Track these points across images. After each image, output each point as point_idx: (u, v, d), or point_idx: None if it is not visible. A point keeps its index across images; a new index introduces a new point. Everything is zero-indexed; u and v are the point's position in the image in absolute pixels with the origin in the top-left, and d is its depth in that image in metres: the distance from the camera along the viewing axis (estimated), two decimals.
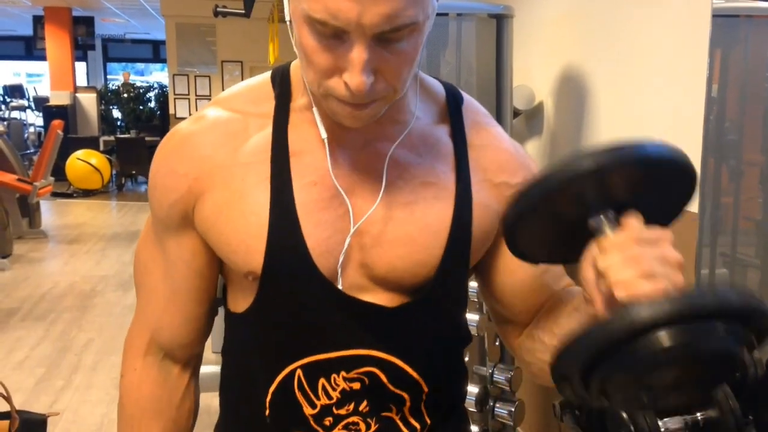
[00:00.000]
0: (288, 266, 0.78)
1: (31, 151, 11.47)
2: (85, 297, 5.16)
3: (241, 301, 0.85)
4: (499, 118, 2.35)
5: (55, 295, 5.21)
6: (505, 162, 0.86)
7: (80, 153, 9.59)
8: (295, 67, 0.84)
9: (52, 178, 7.44)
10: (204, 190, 0.81)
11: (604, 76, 2.32)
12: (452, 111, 0.86)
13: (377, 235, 0.80)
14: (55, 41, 11.55)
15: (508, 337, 0.95)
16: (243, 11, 2.56)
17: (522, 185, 0.68)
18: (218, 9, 2.67)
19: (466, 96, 0.89)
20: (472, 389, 1.92)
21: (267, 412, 0.84)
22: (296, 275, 0.79)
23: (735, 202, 1.93)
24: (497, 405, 1.98)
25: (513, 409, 1.97)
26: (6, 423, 1.89)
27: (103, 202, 9.63)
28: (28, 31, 12.59)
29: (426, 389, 0.85)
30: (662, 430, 1.55)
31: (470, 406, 1.92)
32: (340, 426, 0.82)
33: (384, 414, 0.83)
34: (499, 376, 1.99)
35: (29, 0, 10.73)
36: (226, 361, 0.93)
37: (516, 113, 2.72)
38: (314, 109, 0.79)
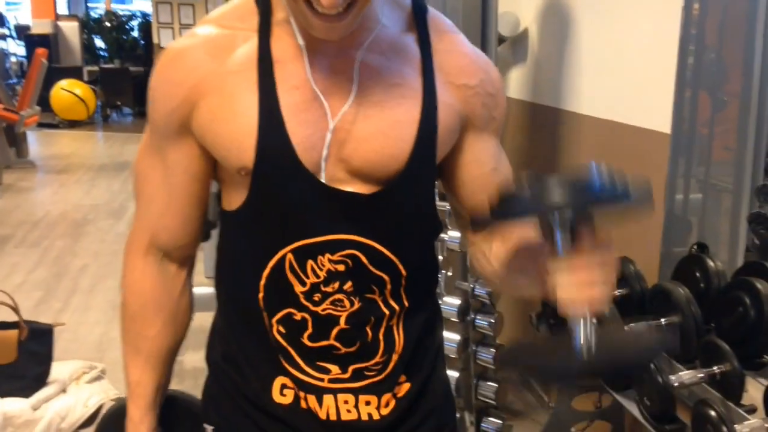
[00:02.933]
0: (276, 161, 0.88)
1: (14, 81, 11.30)
2: (78, 225, 5.24)
3: (234, 199, 0.95)
4: (484, 44, 2.39)
5: (47, 222, 5.29)
6: (466, 66, 0.95)
7: (64, 83, 9.47)
8: None
9: (38, 108, 7.40)
10: (199, 97, 0.89)
11: (588, 2, 2.37)
12: (418, 20, 0.94)
13: (352, 132, 0.89)
14: None
15: (464, 233, 1.08)
16: None
17: (493, 197, 0.76)
18: None
19: (431, 9, 0.97)
20: (455, 301, 2.04)
21: (261, 294, 0.95)
22: (283, 169, 0.88)
23: (710, 133, 2.00)
24: (478, 317, 2.11)
25: (493, 321, 2.10)
26: (15, 332, 2.01)
27: (90, 132, 9.59)
28: None
29: (404, 272, 0.95)
30: None
31: (452, 316, 2.04)
32: (327, 302, 0.93)
33: (367, 295, 0.94)
34: (480, 290, 2.11)
35: None
36: (221, 256, 1.03)
37: (501, 40, 2.77)
38: (292, 20, 0.88)
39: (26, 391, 2.03)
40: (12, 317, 2.07)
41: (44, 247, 4.72)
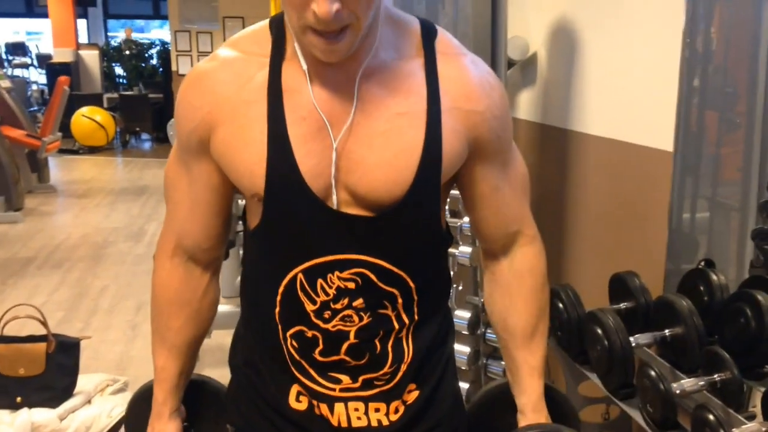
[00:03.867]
0: (286, 188, 0.94)
1: (35, 108, 11.54)
2: (98, 247, 5.34)
3: (253, 219, 1.01)
4: (494, 68, 2.47)
5: (68, 245, 5.40)
6: (471, 92, 0.97)
7: (85, 110, 9.65)
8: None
9: (60, 134, 7.55)
10: (215, 122, 0.96)
11: (594, 26, 2.45)
12: (426, 45, 0.97)
13: (358, 161, 0.93)
14: None
15: (481, 247, 1.16)
16: None
17: None
18: None
19: (440, 30, 0.99)
20: (465, 314, 2.10)
21: (277, 309, 1.01)
22: (293, 196, 0.94)
23: (716, 153, 2.05)
24: (488, 330, 2.16)
25: None
26: (43, 345, 2.09)
27: (109, 158, 9.76)
28: None
29: (413, 285, 1.00)
30: (633, 344, 1.73)
31: (463, 329, 2.10)
32: (337, 318, 0.98)
33: (380, 311, 0.99)
34: None
35: None
36: (245, 268, 1.10)
37: (511, 63, 2.84)
38: (296, 44, 0.93)
39: (54, 402, 2.10)
40: (40, 331, 2.15)
41: (66, 268, 4.83)
